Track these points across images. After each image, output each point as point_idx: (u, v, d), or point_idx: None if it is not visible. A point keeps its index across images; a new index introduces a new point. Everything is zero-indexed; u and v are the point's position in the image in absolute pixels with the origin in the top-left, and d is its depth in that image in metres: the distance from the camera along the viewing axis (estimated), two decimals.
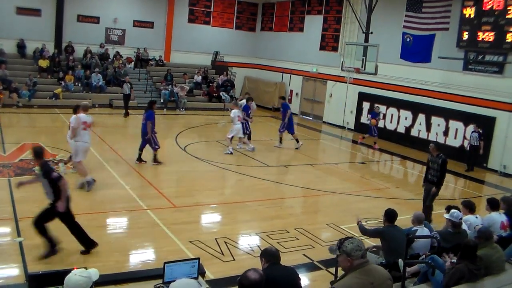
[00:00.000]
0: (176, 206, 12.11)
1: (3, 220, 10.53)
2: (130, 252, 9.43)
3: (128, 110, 25.51)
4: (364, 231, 8.34)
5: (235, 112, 18.64)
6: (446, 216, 8.20)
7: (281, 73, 32.78)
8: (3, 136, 18.65)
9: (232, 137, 18.78)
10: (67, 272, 4.57)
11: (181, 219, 11.27)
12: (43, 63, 28.53)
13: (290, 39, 32.35)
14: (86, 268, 4.61)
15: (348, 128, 27.00)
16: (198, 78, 31.90)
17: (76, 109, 13.46)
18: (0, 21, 28.55)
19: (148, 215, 11.27)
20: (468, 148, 20.07)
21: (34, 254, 8.76)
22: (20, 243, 9.27)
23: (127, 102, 25.73)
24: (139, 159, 15.82)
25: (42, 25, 29.78)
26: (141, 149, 15.80)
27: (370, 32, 23.09)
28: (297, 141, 20.60)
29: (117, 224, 11.15)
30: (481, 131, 19.16)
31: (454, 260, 6.80)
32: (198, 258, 6.32)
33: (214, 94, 30.90)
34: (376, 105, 23.62)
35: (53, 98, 26.50)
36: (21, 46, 29.36)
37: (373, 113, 22.48)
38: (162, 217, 11.09)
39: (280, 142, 20.78)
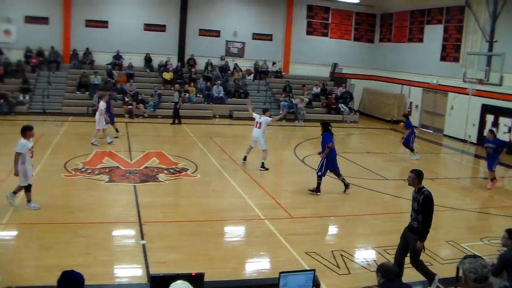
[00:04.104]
0: (293, 217, 12.17)
1: (129, 223, 11.11)
2: (246, 260, 9.62)
3: (177, 119, 25.94)
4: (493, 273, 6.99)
5: None
6: None
7: (400, 85, 32.05)
8: (130, 144, 19.70)
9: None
10: (185, 276, 4.75)
11: (297, 230, 11.32)
12: (167, 76, 29.87)
13: (409, 50, 31.57)
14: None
15: (470, 142, 25.83)
16: (317, 90, 31.97)
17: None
18: (130, 37, 30.44)
19: (265, 225, 11.41)
20: None
21: (155, 256, 9.19)
22: (143, 245, 9.72)
23: (176, 110, 26.14)
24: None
25: (167, 40, 31.31)
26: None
27: (494, 40, 22.10)
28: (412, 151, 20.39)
29: (234, 232, 11.43)
30: None
31: None
32: (314, 270, 6.28)
33: (332, 106, 30.80)
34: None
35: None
36: (148, 60, 30.97)
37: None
38: (279, 227, 11.18)
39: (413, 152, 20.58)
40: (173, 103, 26.06)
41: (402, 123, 21.41)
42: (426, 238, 8.22)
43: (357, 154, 20.83)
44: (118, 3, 30.72)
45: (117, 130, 20.97)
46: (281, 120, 23.59)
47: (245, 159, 17.50)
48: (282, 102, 29.43)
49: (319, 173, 14.26)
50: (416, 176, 8.17)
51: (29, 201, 11.44)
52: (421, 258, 8.39)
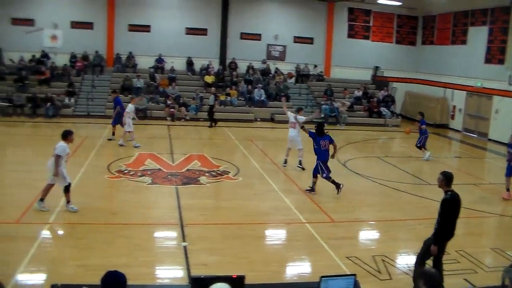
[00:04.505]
0: (335, 221, 12.07)
1: (171, 225, 11.21)
2: (287, 263, 9.59)
3: (213, 121, 26.07)
4: None
5: None
6: None
7: (443, 88, 31.55)
8: (172, 147, 19.90)
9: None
10: (226, 278, 4.77)
11: (339, 234, 11.23)
12: (209, 79, 30.11)
13: (453, 52, 31.00)
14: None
15: None
16: (358, 93, 31.75)
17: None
18: (172, 41, 30.88)
19: (306, 229, 11.36)
20: None
21: (196, 258, 9.25)
22: (185, 247, 9.78)
23: (211, 113, 26.29)
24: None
25: (208, 43, 31.61)
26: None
27: None
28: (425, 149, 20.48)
29: (275, 235, 11.41)
30: None
31: None
32: (355, 275, 6.20)
33: (374, 110, 30.53)
34: None
35: (222, 106, 28.14)
36: (189, 63, 31.27)
37: None
38: (320, 231, 11.11)
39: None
40: (208, 106, 26.34)
41: (407, 128, 21.24)
42: (445, 244, 8.07)
43: (399, 158, 20.59)
44: (161, 8, 31.13)
45: (113, 134, 20.73)
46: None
47: (285, 162, 17.59)
48: (323, 106, 29.32)
49: (324, 175, 14.16)
50: (444, 178, 7.99)
51: (68, 202, 11.64)
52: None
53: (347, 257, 9.70)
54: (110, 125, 21.03)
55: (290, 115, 17.36)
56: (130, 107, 19.65)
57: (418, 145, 20.48)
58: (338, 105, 29.46)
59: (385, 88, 32.44)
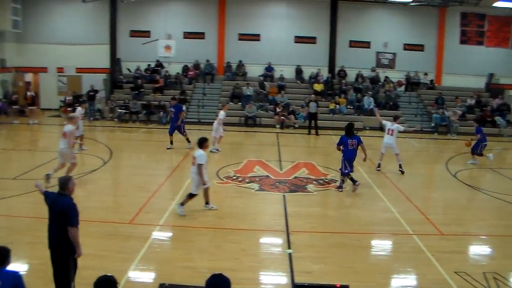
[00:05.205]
0: (443, 234, 11.66)
1: (277, 231, 11.31)
2: (392, 275, 9.40)
3: (315, 130, 25.84)
4: None
5: None
6: None
7: None
8: (280, 154, 20.10)
9: None
10: (330, 287, 4.77)
11: (448, 248, 10.80)
12: (318, 87, 30.19)
13: None
14: None
15: None
16: (471, 101, 30.55)
17: None
18: (281, 49, 31.35)
19: (413, 241, 11.07)
20: None
21: (301, 265, 9.29)
22: (290, 254, 9.85)
23: (313, 121, 26.09)
24: None
25: (317, 52, 31.73)
26: None
27: None
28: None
29: (381, 246, 11.21)
30: None
31: None
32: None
33: (488, 119, 29.20)
34: None
35: (331, 114, 28.19)
36: (298, 72, 31.50)
37: None
38: (428, 244, 10.77)
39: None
40: (309, 113, 26.46)
41: (467, 141, 20.57)
42: None
43: None
44: (270, 17, 31.67)
45: (171, 142, 20.48)
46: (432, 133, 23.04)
47: (379, 166, 17.92)
48: (434, 115, 28.52)
49: (346, 171, 14.75)
50: None
51: (182, 204, 12.03)
52: None
53: (455, 272, 9.33)
54: (181, 136, 20.69)
55: (387, 123, 18.00)
56: (221, 114, 20.08)
57: (477, 152, 19.79)
58: (449, 114, 28.54)
59: (500, 96, 31.00)
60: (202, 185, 11.99)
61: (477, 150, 19.69)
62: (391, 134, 17.46)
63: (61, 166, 14.36)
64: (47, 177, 13.83)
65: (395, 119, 18.11)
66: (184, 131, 20.43)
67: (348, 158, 14.69)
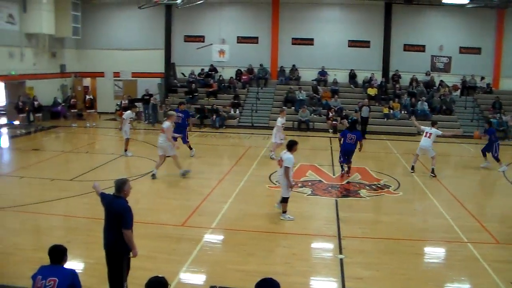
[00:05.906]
0: (500, 243, 11.33)
1: (328, 236, 11.31)
2: (445, 284, 9.22)
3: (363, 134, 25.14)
4: None
5: None
6: None
7: None
8: (333, 159, 20.04)
9: None
10: None
11: (504, 257, 10.49)
12: (372, 91, 29.94)
13: None
14: None
15: None
16: None
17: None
18: (335, 53, 31.31)
19: (468, 249, 10.84)
20: None
21: (352, 271, 9.29)
22: (341, 260, 9.85)
23: (364, 125, 26.02)
24: None
25: (371, 56, 31.47)
26: None
27: None
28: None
29: (434, 253, 11.01)
30: None
31: None
32: None
33: None
34: None
35: (385, 119, 28.16)
36: (352, 76, 31.36)
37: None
38: (483, 252, 10.52)
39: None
40: (361, 118, 26.34)
41: (476, 131, 21.63)
42: None
43: None
44: (323, 21, 31.63)
45: (190, 148, 20.03)
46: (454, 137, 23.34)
47: (413, 168, 18.21)
48: (491, 119, 27.84)
49: (340, 160, 17.32)
50: None
51: (284, 212, 12.27)
52: None
53: None
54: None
55: (425, 127, 18.45)
56: (279, 120, 19.94)
57: (495, 155, 19.29)
58: (507, 119, 27.82)
59: None
60: (289, 187, 12.10)
61: (492, 151, 19.30)
62: (429, 137, 17.78)
63: (162, 159, 16.12)
64: (153, 176, 15.97)
65: (433, 124, 18.44)
66: (187, 138, 20.10)
67: (344, 150, 16.98)
